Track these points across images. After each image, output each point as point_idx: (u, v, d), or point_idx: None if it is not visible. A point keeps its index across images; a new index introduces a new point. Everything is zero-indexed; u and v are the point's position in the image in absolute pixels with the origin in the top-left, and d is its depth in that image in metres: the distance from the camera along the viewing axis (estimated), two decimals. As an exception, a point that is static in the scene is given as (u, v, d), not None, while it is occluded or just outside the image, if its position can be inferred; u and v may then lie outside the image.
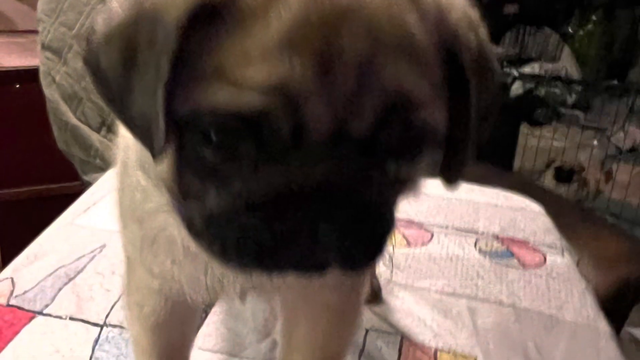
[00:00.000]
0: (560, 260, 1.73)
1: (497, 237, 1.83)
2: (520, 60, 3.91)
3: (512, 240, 1.82)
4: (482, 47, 0.72)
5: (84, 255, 1.55)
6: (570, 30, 3.87)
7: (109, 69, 0.66)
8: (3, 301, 1.38)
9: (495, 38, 3.77)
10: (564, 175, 3.72)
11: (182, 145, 0.65)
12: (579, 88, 3.87)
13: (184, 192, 0.69)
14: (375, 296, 1.47)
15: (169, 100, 0.63)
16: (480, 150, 0.74)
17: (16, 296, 1.39)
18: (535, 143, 3.72)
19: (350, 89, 0.60)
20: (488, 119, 0.74)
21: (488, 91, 0.72)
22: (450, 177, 0.78)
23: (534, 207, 2.05)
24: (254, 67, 0.59)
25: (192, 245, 0.74)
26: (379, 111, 0.61)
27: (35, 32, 2.67)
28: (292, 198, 0.62)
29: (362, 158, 0.63)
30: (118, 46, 0.65)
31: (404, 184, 0.72)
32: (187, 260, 0.85)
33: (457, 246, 1.75)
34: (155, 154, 0.66)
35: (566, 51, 3.88)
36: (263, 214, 0.63)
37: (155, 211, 0.81)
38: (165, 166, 0.68)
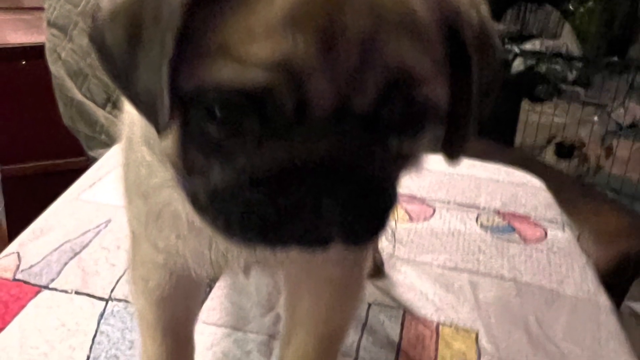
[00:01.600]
0: (561, 235, 1.72)
1: (498, 212, 1.82)
2: (521, 37, 3.88)
3: (513, 215, 1.81)
4: (484, 23, 0.72)
5: (89, 230, 1.54)
6: (570, 7, 3.83)
7: (114, 46, 0.66)
8: (9, 275, 1.37)
9: (497, 15, 3.74)
10: (565, 151, 3.71)
11: (186, 121, 0.65)
12: (579, 65, 3.85)
13: (188, 168, 0.68)
14: (378, 270, 1.47)
15: (173, 77, 0.62)
16: (481, 126, 0.74)
17: (22, 270, 1.39)
18: (536, 119, 3.71)
19: (353, 66, 0.60)
20: (489, 95, 0.74)
21: (489, 68, 0.72)
22: (452, 153, 0.77)
23: (535, 183, 2.04)
24: (257, 44, 0.59)
25: (197, 220, 0.73)
26: (381, 87, 0.61)
27: (41, 9, 2.65)
28: (296, 173, 0.61)
29: (364, 134, 0.63)
30: (123, 23, 0.65)
31: (406, 160, 0.71)
32: (191, 235, 0.84)
33: (458, 221, 1.74)
34: (160, 129, 0.65)
35: (567, 28, 3.84)
36: (267, 189, 0.62)
37: (160, 186, 0.80)
38: (169, 142, 0.68)
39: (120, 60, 0.66)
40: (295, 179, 0.62)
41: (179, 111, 0.64)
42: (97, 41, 0.67)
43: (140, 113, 0.68)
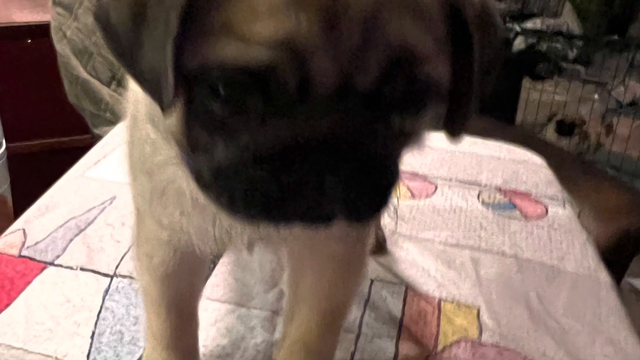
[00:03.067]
0: (562, 211, 1.71)
1: (499, 189, 1.80)
2: (522, 16, 3.86)
3: (515, 192, 1.80)
4: (485, 2, 0.72)
5: (94, 207, 1.53)
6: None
7: (119, 24, 0.66)
8: (15, 252, 1.36)
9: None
10: (566, 128, 3.69)
11: (190, 99, 0.65)
12: (580, 43, 3.83)
13: (192, 145, 0.68)
14: (380, 247, 1.46)
15: (178, 55, 0.62)
16: (483, 104, 0.74)
17: (28, 247, 1.38)
18: (537, 97, 3.70)
19: (356, 44, 0.60)
20: (490, 73, 0.74)
21: (491, 46, 0.72)
22: (454, 130, 0.77)
23: (536, 160, 2.03)
24: (261, 22, 0.59)
25: (201, 197, 0.73)
26: (383, 65, 0.61)
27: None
28: (299, 150, 0.62)
29: (367, 111, 0.63)
30: (128, 1, 0.65)
31: (408, 137, 0.71)
32: (195, 212, 0.84)
33: (460, 198, 1.73)
34: (164, 107, 0.65)
35: (567, 7, 3.83)
36: (270, 166, 0.62)
37: (165, 163, 0.80)
38: (174, 119, 0.68)
39: (125, 38, 0.66)
40: (298, 156, 0.62)
41: (183, 89, 0.64)
42: (102, 20, 0.67)
43: (145, 91, 0.68)
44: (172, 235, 0.93)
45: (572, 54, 3.86)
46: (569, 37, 3.80)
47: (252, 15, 0.60)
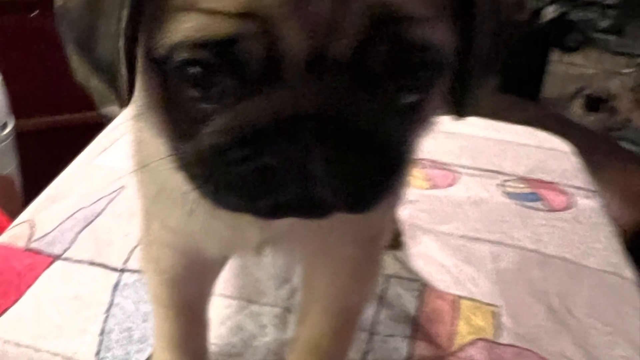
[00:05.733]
0: (588, 203, 1.70)
1: (523, 179, 1.80)
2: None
3: (539, 182, 1.79)
4: None
5: (103, 197, 1.55)
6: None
7: (75, 10, 0.66)
8: (22, 244, 1.38)
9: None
10: (594, 103, 3.66)
11: (167, 87, 0.65)
12: (613, 12, 3.78)
13: (177, 135, 0.67)
14: (396, 241, 1.46)
15: (148, 43, 0.63)
16: (503, 79, 0.71)
17: (35, 240, 1.40)
18: (564, 70, 3.66)
19: (327, 7, 0.56)
20: (499, 43, 0.71)
21: (498, 11, 0.69)
22: (459, 108, 0.74)
23: (563, 147, 2.00)
24: None
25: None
26: (362, 29, 0.58)
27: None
28: (279, 130, 0.59)
29: (350, 82, 0.59)
30: None
31: (416, 115, 0.67)
32: (200, 212, 0.81)
33: (482, 188, 1.73)
34: (120, 99, 0.66)
35: (602, -26, 3.78)
36: (250, 149, 0.60)
37: (163, 162, 0.78)
38: (156, 111, 0.68)
39: (81, 25, 0.66)
40: (278, 136, 0.59)
41: (159, 78, 0.64)
42: (61, 7, 0.68)
43: (101, 81, 0.68)
44: (179, 239, 0.94)
45: (603, 23, 3.82)
46: (604, 6, 3.75)
47: None
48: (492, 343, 1.24)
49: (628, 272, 1.46)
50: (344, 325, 1.05)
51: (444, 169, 1.82)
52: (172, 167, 0.69)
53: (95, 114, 2.75)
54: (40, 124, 2.95)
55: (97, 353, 1.16)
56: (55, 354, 1.16)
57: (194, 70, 0.61)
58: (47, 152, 2.44)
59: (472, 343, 1.24)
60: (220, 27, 0.57)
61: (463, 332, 1.26)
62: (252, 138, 0.60)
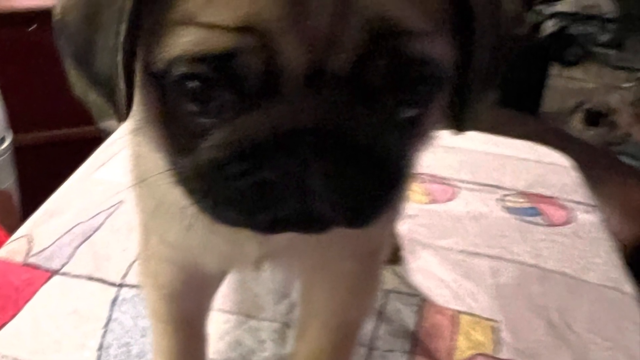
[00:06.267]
0: (588, 218, 1.71)
1: (523, 193, 1.80)
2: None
3: (539, 197, 1.80)
4: None
5: (101, 212, 1.56)
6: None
7: (72, 24, 0.66)
8: (20, 259, 1.39)
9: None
10: (594, 117, 3.67)
11: (165, 101, 0.65)
12: (613, 26, 3.80)
13: (176, 150, 0.67)
14: (396, 256, 1.47)
15: (146, 57, 0.63)
16: (503, 93, 0.71)
17: (33, 255, 1.40)
18: (564, 84, 3.67)
19: (326, 21, 0.56)
20: (499, 57, 0.71)
21: (498, 25, 0.69)
22: (458, 123, 0.74)
23: (563, 162, 2.01)
24: (221, 6, 0.58)
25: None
26: (360, 43, 0.58)
27: (49, -30, 2.64)
28: (277, 145, 0.59)
29: (349, 96, 0.59)
30: (83, 1, 0.66)
31: (415, 129, 0.67)
32: (199, 227, 0.81)
33: (481, 203, 1.73)
34: (119, 114, 0.66)
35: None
36: (248, 164, 0.60)
37: (161, 176, 0.78)
38: (155, 126, 0.68)
39: (79, 40, 0.66)
40: (276, 151, 0.59)
41: (157, 92, 0.64)
42: (59, 21, 0.68)
43: (100, 96, 0.68)
44: (178, 254, 0.94)
45: (603, 37, 3.83)
46: (605, 20, 3.76)
47: (211, 0, 0.58)
48: (491, 358, 1.24)
49: (628, 287, 1.46)
50: (343, 341, 1.05)
51: (444, 183, 1.82)
52: (170, 182, 0.69)
53: (93, 128, 2.75)
54: (39, 139, 2.95)
55: (96, 368, 1.16)
56: (54, 369, 1.16)
57: (192, 84, 0.61)
58: (45, 166, 2.44)
59: (471, 358, 1.24)
60: (219, 42, 0.57)
61: (462, 347, 1.26)
62: (250, 152, 0.60)
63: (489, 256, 1.52)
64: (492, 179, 1.86)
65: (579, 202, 1.78)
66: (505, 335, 1.29)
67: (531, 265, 1.50)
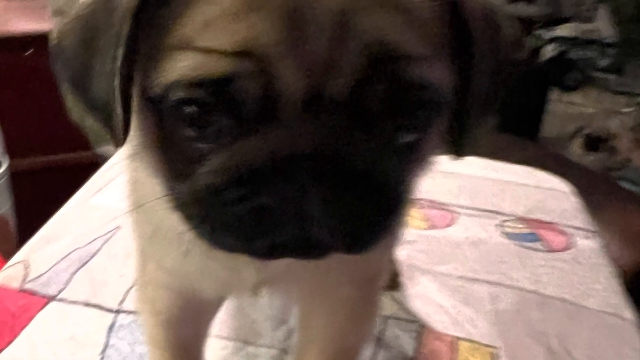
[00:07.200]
0: (588, 243, 1.71)
1: (522, 219, 1.81)
2: (553, 21, 3.85)
3: (538, 222, 1.80)
4: (490, 2, 0.71)
5: (98, 237, 1.57)
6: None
7: (70, 49, 0.68)
8: (16, 285, 1.40)
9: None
10: (594, 142, 3.68)
11: (162, 126, 0.65)
12: (613, 51, 3.82)
13: (173, 175, 0.68)
14: (394, 282, 1.47)
15: (143, 82, 0.64)
16: (503, 119, 0.71)
17: (30, 280, 1.41)
18: (563, 109, 3.69)
19: (324, 46, 0.57)
20: (498, 82, 0.72)
21: (497, 50, 0.70)
22: (457, 148, 0.74)
23: (563, 187, 2.02)
24: (218, 30, 0.58)
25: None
26: (359, 68, 0.58)
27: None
28: (275, 170, 0.59)
29: (348, 122, 0.60)
30: (80, 25, 0.67)
31: (413, 154, 0.67)
32: (197, 253, 0.81)
33: (480, 228, 1.74)
34: (116, 138, 0.67)
35: (601, 12, 3.82)
36: (246, 189, 0.61)
37: (159, 202, 0.78)
38: (152, 151, 0.69)
39: (76, 64, 0.67)
40: (274, 176, 0.60)
41: (154, 117, 0.65)
42: (56, 46, 0.69)
43: (97, 121, 0.69)
44: (175, 280, 0.95)
45: (603, 62, 3.85)
46: (605, 44, 3.78)
47: (209, 26, 0.59)
48: (490, 385, 1.24)
49: (628, 313, 1.46)
50: (341, 367, 1.05)
51: (442, 209, 1.83)
52: (167, 207, 0.70)
53: (90, 153, 2.77)
54: (35, 164, 2.95)
55: (92, 395, 1.17)
56: (50, 397, 1.16)
57: (189, 109, 0.61)
58: (42, 192, 2.45)
59: (470, 385, 1.25)
60: (217, 66, 0.58)
61: (461, 374, 1.27)
62: (248, 178, 0.60)
63: (488, 282, 1.52)
64: (492, 205, 1.87)
65: (578, 228, 1.79)
66: (504, 361, 1.29)
67: (531, 291, 1.50)
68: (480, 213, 1.82)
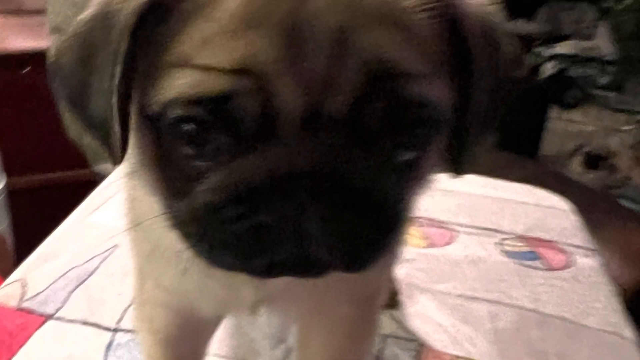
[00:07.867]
0: (588, 262, 1.72)
1: (522, 237, 1.82)
2: (553, 39, 3.85)
3: (538, 241, 1.81)
4: (487, 16, 0.71)
5: (96, 256, 1.57)
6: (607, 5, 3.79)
7: (67, 67, 0.68)
8: (14, 304, 1.40)
9: (528, 14, 3.74)
10: (593, 160, 3.69)
11: (160, 145, 0.66)
12: (613, 68, 3.82)
13: (171, 193, 0.68)
14: (393, 300, 1.47)
15: (141, 99, 0.64)
16: (502, 136, 0.71)
17: (27, 299, 1.41)
18: (563, 127, 3.69)
19: (322, 64, 0.58)
20: (498, 99, 0.72)
21: (496, 67, 0.70)
22: (456, 166, 0.75)
23: (562, 205, 2.02)
24: (217, 48, 0.59)
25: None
26: (358, 86, 0.59)
27: (43, 12, 2.67)
28: (274, 188, 0.60)
29: (346, 139, 0.60)
30: (78, 43, 0.67)
31: (412, 172, 0.68)
32: (195, 271, 0.83)
33: (479, 247, 1.74)
34: (114, 156, 0.67)
35: (601, 29, 3.83)
36: (244, 207, 0.61)
37: (157, 220, 0.78)
38: (150, 169, 0.69)
39: (73, 82, 0.68)
40: (273, 194, 0.60)
41: (152, 135, 0.66)
42: (54, 64, 0.69)
43: (94, 139, 0.69)
44: (173, 298, 0.95)
45: (603, 79, 3.86)
46: (605, 62, 3.79)
47: (207, 43, 0.59)
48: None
49: (628, 331, 1.46)
50: (340, 386, 1.05)
51: (442, 227, 1.84)
52: (165, 226, 0.70)
53: (88, 171, 2.77)
54: (33, 182, 2.96)
55: (90, 415, 1.17)
56: (47, 417, 1.16)
57: (188, 127, 0.62)
58: (40, 210, 2.45)
59: (469, 404, 1.25)
60: (215, 84, 0.59)
61: (460, 393, 1.27)
62: (246, 196, 0.61)
63: (487, 300, 1.52)
64: (491, 223, 1.87)
65: (578, 246, 1.79)
66: (503, 381, 1.30)
67: (530, 310, 1.50)
68: (479, 231, 1.82)
